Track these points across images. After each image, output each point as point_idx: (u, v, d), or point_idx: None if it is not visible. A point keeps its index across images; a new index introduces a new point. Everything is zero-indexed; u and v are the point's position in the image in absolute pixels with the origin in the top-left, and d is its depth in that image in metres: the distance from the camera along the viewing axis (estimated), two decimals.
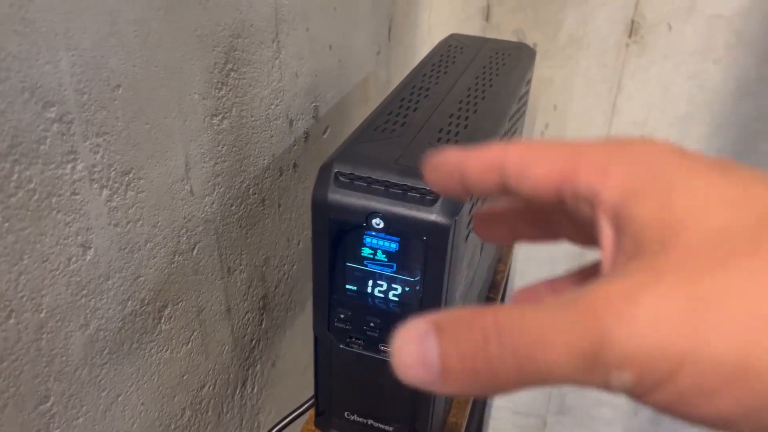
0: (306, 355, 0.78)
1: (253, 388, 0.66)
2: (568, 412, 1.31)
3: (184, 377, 0.52)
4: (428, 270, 0.44)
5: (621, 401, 1.25)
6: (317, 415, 0.55)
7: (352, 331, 0.49)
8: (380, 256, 0.45)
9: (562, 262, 1.09)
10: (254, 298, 0.62)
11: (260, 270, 0.62)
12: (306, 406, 0.59)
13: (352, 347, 0.49)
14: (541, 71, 0.97)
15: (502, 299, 1.00)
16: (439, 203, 0.42)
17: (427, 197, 0.42)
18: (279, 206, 0.63)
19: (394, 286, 0.46)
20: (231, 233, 0.55)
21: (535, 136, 1.03)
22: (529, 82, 0.72)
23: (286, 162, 0.63)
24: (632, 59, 0.94)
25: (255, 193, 0.57)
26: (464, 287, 0.52)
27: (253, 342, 0.64)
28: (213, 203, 0.51)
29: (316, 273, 0.47)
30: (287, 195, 0.64)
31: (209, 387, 0.56)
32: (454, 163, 0.21)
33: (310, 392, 0.57)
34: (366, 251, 0.45)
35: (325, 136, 0.72)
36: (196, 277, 0.50)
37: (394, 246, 0.44)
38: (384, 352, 0.49)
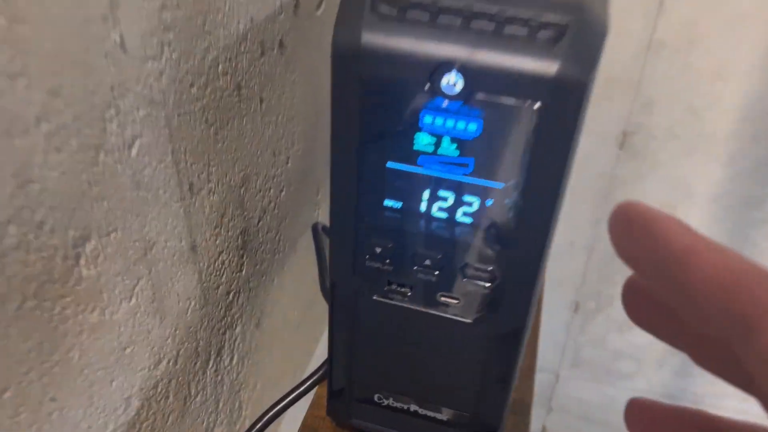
0: (299, 308, 0.60)
1: (231, 358, 0.48)
2: (583, 365, 1.18)
3: (127, 351, 0.33)
4: (538, 164, 0.26)
5: (644, 354, 1.12)
6: (330, 397, 0.38)
7: (393, 274, 0.31)
8: (446, 147, 0.27)
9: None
10: (230, 233, 0.43)
11: (237, 192, 0.43)
12: (309, 384, 0.41)
13: (392, 298, 0.32)
14: None
15: None
16: (565, 43, 0.24)
17: (543, 32, 0.24)
18: (261, 101, 0.44)
19: (466, 199, 0.28)
20: (192, 129, 0.35)
21: None
22: None
23: (269, 36, 0.43)
24: None
25: (227, 73, 0.38)
26: None
27: (231, 295, 0.45)
28: (161, 73, 0.31)
29: (335, 180, 0.29)
30: (272, 87, 0.45)
31: (168, 362, 0.38)
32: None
33: (306, 357, 0.40)
34: (424, 140, 0.27)
35: (319, 12, 0.52)
36: (138, 194, 0.31)
37: (473, 127, 0.26)
38: (445, 305, 0.31)
